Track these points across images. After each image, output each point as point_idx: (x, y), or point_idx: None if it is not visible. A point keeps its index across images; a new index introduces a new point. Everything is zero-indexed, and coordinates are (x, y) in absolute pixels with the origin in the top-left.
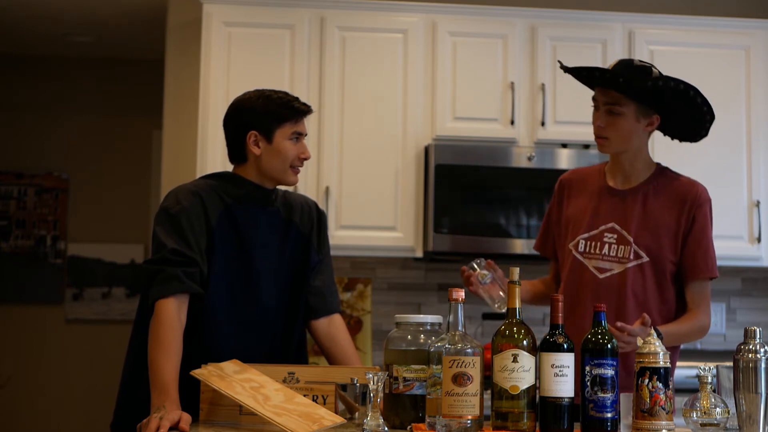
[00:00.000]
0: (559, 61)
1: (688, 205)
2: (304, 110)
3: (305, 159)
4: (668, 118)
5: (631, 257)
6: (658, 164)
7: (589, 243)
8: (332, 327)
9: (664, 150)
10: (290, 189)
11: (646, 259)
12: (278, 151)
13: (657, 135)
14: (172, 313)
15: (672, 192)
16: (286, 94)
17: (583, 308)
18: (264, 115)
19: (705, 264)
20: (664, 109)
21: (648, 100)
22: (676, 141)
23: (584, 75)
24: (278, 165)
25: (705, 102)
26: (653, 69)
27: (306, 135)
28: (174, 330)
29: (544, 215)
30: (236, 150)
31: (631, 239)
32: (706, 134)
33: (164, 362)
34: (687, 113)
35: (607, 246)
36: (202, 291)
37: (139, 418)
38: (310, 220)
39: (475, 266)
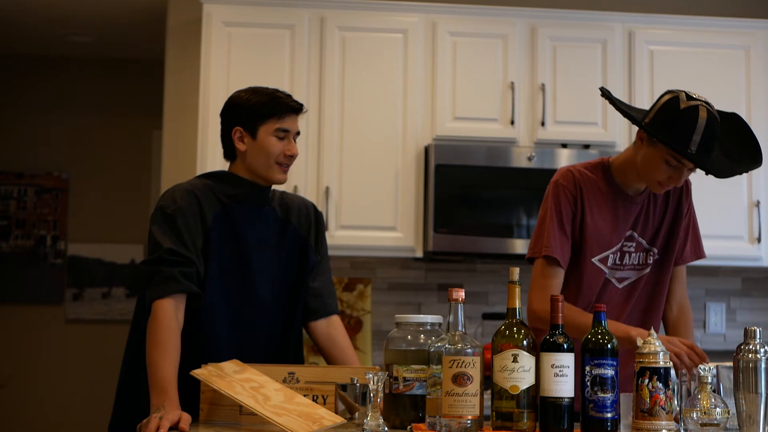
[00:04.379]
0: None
1: (679, 193)
2: (291, 106)
3: (292, 156)
4: None
5: (649, 262)
6: None
7: (615, 256)
8: (331, 328)
9: None
10: (289, 189)
11: (657, 257)
12: (261, 147)
13: None
14: (170, 314)
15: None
16: (276, 90)
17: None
18: (248, 111)
19: (700, 247)
20: None
21: None
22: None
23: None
24: (262, 161)
25: None
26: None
27: (295, 132)
28: (171, 330)
29: (555, 217)
30: (226, 147)
31: (646, 243)
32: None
33: (162, 362)
34: None
35: (627, 255)
36: (199, 291)
37: (137, 419)
38: (308, 221)
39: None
